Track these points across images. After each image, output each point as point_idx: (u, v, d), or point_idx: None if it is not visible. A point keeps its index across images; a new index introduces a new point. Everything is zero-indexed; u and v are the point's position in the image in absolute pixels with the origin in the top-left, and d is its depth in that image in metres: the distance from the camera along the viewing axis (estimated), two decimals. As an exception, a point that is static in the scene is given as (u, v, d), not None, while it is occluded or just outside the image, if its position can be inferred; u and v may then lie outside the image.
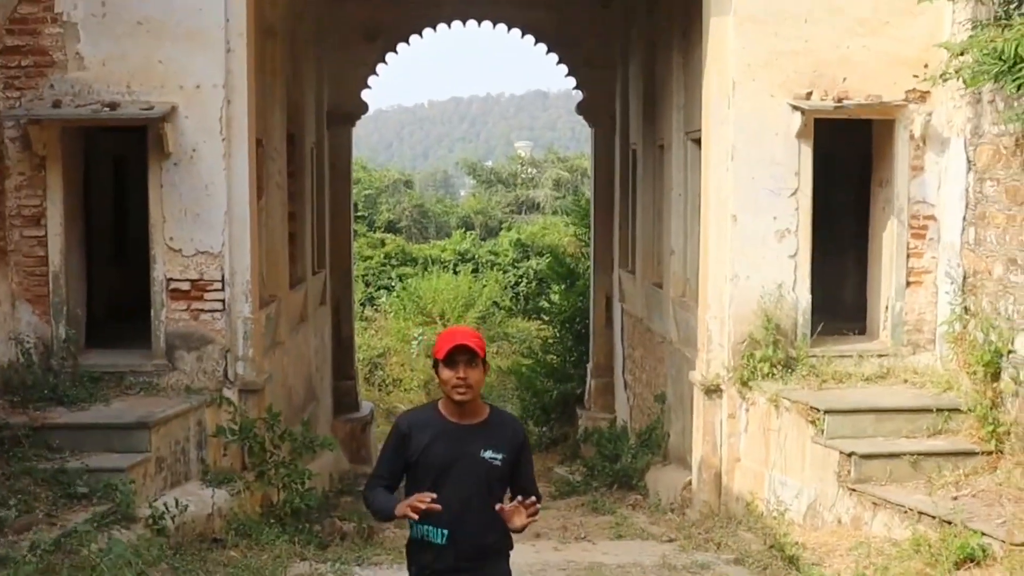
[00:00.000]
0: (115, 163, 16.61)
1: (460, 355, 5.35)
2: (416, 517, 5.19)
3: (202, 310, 11.73)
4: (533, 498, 5.37)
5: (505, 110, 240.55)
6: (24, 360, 11.39)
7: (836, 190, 15.08)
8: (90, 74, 11.53)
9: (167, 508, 9.71)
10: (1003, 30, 9.02)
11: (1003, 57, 8.70)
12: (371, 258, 41.91)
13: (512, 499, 5.48)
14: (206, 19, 11.57)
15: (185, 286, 11.69)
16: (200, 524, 10.42)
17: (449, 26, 23.23)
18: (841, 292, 14.52)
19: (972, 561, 8.65)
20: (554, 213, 51.94)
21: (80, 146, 12.50)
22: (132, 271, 15.66)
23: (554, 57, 23.85)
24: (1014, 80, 8.73)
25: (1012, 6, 9.32)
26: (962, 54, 9.76)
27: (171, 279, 11.68)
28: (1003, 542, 8.66)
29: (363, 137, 30.14)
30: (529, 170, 69.10)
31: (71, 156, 12.03)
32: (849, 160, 14.00)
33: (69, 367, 11.52)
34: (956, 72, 9.86)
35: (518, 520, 5.33)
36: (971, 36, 9.84)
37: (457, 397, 5.40)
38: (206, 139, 11.60)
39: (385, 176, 59.76)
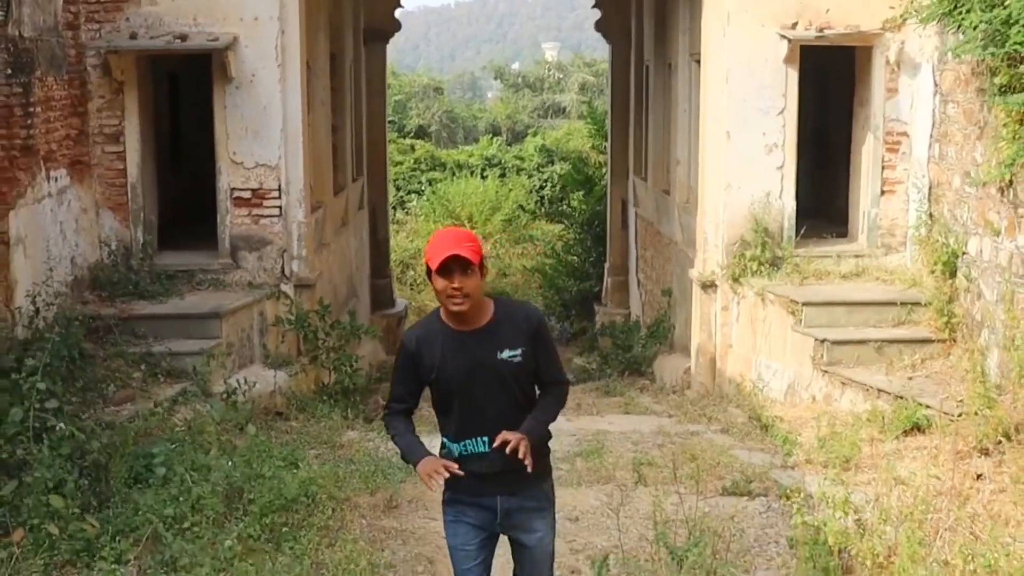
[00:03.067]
0: (171, 80, 18.11)
1: (454, 264, 5.08)
2: (432, 488, 5.13)
3: (261, 215, 13.34)
4: (512, 437, 5.10)
5: (532, 10, 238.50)
6: (109, 261, 13.10)
7: (831, 109, 16.49)
8: (161, 8, 13.03)
9: (239, 384, 11.31)
10: (951, -24, 10.45)
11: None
12: (401, 163, 42.92)
13: (539, 390, 5.45)
14: (262, -43, 13.03)
15: (246, 195, 13.29)
16: (264, 400, 12.05)
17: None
18: (835, 200, 15.74)
19: (917, 429, 10.19)
20: (580, 117, 52.66)
21: (150, 71, 14.06)
22: (187, 179, 17.33)
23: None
24: (954, 20, 10.19)
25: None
26: (921, -7, 11.18)
27: (234, 188, 13.28)
28: (944, 413, 10.30)
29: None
30: (556, 74, 69.87)
31: (144, 80, 13.58)
32: (843, 82, 15.18)
33: (147, 266, 13.19)
34: (914, 12, 11.28)
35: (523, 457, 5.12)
36: (928, -22, 11.25)
37: (453, 307, 5.15)
38: (264, 65, 13.12)
39: (415, 82, 60.54)
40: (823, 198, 16.13)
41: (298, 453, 9.14)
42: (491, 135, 52.14)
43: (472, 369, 5.21)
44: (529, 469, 5.11)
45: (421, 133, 53.78)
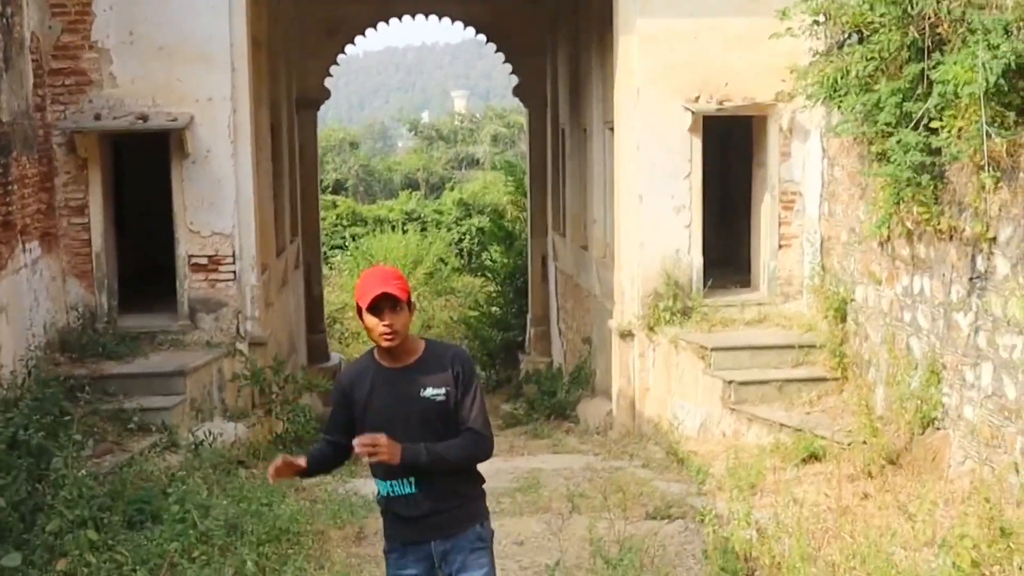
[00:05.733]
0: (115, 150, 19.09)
1: (384, 302, 5.21)
2: (271, 477, 5.41)
3: (217, 280, 14.39)
4: (367, 437, 5.11)
5: (440, 59, 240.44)
6: (77, 324, 14.10)
7: (733, 169, 17.97)
8: (122, 91, 14.11)
9: (205, 436, 12.34)
10: (831, 62, 11.95)
11: (825, 84, 11.67)
12: (324, 219, 43.57)
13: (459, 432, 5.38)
14: (215, 45, 14.12)
15: (203, 261, 14.35)
16: (226, 450, 13.07)
17: (400, 20, 25.91)
18: (738, 250, 17.13)
19: (814, 458, 11.54)
20: (493, 168, 54.09)
21: (111, 147, 15.15)
22: (132, 245, 18.25)
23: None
24: (834, 102, 11.71)
25: (837, 44, 12.28)
26: (805, 76, 12.67)
27: (192, 255, 14.34)
28: (836, 443, 11.71)
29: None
30: (468, 126, 71.23)
31: (105, 156, 14.62)
32: (743, 145, 16.44)
33: (111, 329, 14.16)
34: (801, 90, 12.77)
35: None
36: (811, 63, 12.73)
37: (385, 344, 5.27)
38: (217, 142, 14.23)
39: (331, 136, 61.68)
40: (728, 249, 17.54)
41: (275, 494, 10.28)
42: (409, 189, 53.38)
43: (396, 405, 5.31)
44: (361, 456, 5.16)
45: (338, 187, 54.92)
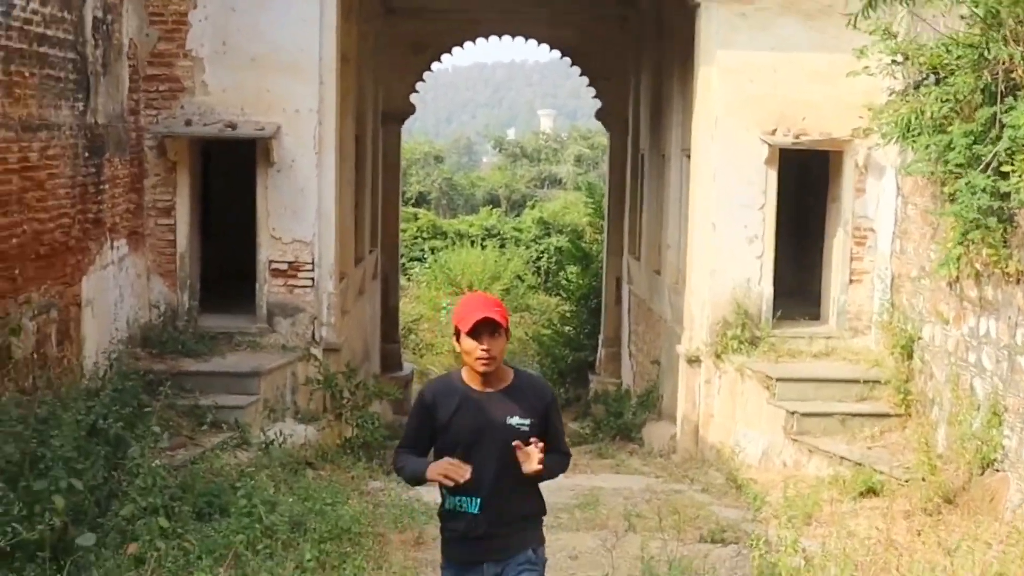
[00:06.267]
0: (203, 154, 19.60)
1: (484, 327, 5.32)
2: (448, 483, 5.26)
3: (296, 286, 14.80)
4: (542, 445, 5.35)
5: (529, 77, 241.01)
6: (158, 322, 14.57)
7: (809, 200, 18.05)
8: (213, 99, 14.60)
9: (276, 436, 12.71)
10: (907, 101, 12.08)
11: (900, 123, 11.80)
12: (404, 231, 44.14)
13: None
14: (304, 57, 14.56)
15: (283, 267, 14.76)
16: (295, 451, 13.48)
17: (487, 39, 26.34)
18: (809, 284, 17.10)
19: (872, 492, 11.64)
20: (576, 188, 54.39)
21: (199, 151, 15.64)
22: (214, 246, 18.69)
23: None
24: (908, 141, 11.83)
25: (914, 85, 12.39)
26: (881, 114, 12.79)
27: (272, 261, 14.75)
28: (895, 479, 11.79)
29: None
30: (552, 145, 71.60)
31: (194, 161, 15.12)
32: (819, 177, 16.53)
33: (191, 328, 14.60)
34: (877, 128, 12.90)
35: (528, 465, 5.33)
36: (887, 102, 12.86)
37: (481, 368, 5.38)
38: (302, 152, 14.64)
39: (416, 149, 62.33)
40: (798, 282, 17.59)
41: (339, 495, 10.62)
42: (491, 205, 53.80)
43: (481, 429, 5.40)
44: (528, 470, 5.34)
45: (421, 200, 55.44)
